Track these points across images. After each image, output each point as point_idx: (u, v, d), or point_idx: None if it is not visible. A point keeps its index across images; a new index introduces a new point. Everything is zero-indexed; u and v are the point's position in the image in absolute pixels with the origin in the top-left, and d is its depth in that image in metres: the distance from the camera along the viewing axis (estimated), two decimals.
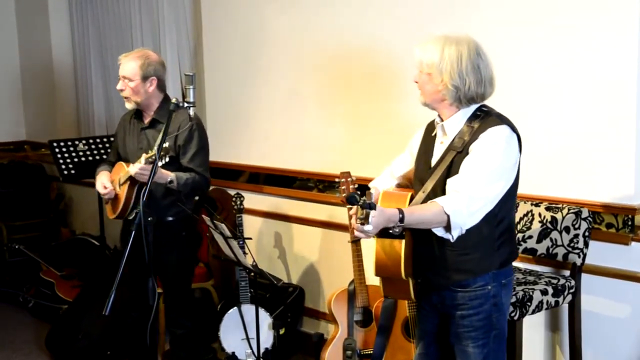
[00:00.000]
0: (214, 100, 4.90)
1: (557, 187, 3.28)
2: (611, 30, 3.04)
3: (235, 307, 4.11)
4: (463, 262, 2.47)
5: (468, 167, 2.40)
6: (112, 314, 2.72)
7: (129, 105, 3.59)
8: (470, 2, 3.48)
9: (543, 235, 3.24)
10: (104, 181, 3.62)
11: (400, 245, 2.38)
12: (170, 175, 3.42)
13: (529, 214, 3.29)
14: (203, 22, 4.87)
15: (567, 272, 3.25)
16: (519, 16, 3.31)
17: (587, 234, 3.12)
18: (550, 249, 3.21)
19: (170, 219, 3.56)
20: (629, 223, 3.10)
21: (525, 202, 3.32)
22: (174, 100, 3.15)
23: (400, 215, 2.30)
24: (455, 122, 2.51)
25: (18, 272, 5.75)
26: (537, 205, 3.28)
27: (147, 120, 3.61)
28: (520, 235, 3.31)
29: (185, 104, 3.16)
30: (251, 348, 3.97)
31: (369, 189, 2.67)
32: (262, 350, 3.91)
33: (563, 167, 3.25)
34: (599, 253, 3.19)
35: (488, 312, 2.51)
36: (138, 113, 3.65)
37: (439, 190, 2.45)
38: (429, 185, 2.49)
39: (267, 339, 4.09)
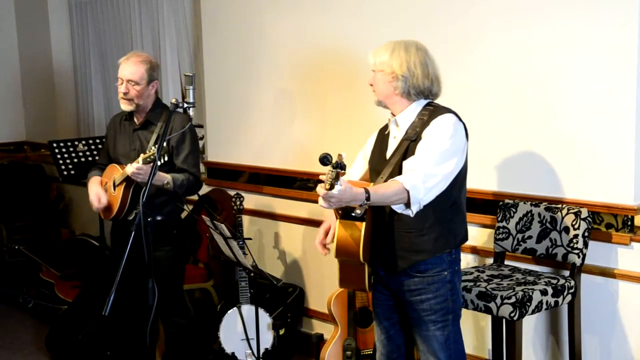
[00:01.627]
0: (214, 100, 4.89)
1: (557, 187, 3.28)
2: (611, 31, 3.04)
3: (235, 308, 4.11)
4: (420, 242, 2.68)
5: (422, 148, 2.62)
6: (111, 314, 2.72)
7: (128, 108, 3.58)
8: (469, 12, 3.48)
9: (542, 235, 3.24)
10: (99, 193, 3.63)
11: (362, 227, 2.55)
12: (167, 177, 3.46)
13: (529, 214, 3.29)
14: (203, 23, 4.87)
15: (566, 272, 3.25)
16: (518, 16, 3.31)
17: (586, 234, 3.12)
18: (550, 249, 3.21)
19: (160, 218, 3.57)
20: (629, 223, 3.10)
21: (524, 202, 3.32)
22: (173, 100, 3.18)
23: (367, 195, 2.45)
24: (407, 115, 2.73)
25: (18, 272, 5.75)
26: (536, 205, 3.28)
27: (139, 121, 3.64)
28: (520, 236, 3.31)
29: (185, 104, 3.19)
30: (251, 348, 3.97)
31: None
32: (262, 351, 3.91)
33: (562, 168, 3.25)
34: (599, 253, 3.19)
35: (445, 296, 2.72)
36: (129, 114, 3.67)
37: (397, 175, 2.62)
38: (386, 172, 2.68)
39: (267, 339, 4.09)
